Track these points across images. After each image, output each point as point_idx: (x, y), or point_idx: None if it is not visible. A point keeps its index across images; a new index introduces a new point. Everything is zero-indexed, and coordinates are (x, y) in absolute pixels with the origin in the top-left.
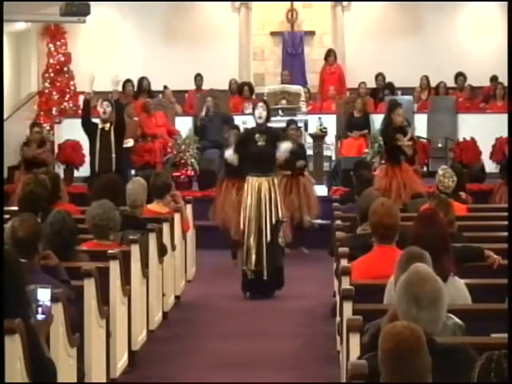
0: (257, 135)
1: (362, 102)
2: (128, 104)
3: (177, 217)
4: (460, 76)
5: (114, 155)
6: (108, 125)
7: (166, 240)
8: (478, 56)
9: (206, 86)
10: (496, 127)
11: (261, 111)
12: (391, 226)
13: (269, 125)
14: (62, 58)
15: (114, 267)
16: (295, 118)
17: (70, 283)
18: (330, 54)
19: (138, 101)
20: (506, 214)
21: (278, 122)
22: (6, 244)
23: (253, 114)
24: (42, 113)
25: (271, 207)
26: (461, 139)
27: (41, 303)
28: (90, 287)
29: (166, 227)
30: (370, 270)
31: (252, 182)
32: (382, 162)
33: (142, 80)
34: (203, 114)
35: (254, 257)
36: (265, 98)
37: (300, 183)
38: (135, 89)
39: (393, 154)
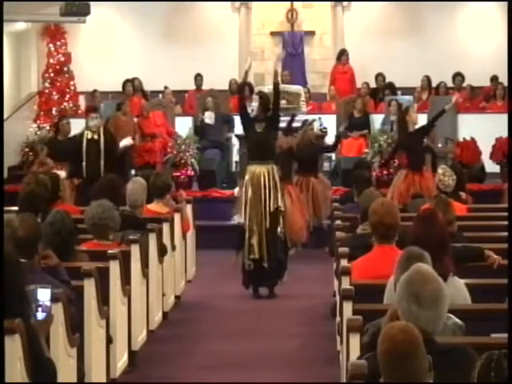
0: (256, 124)
1: (361, 102)
2: (123, 102)
3: (177, 217)
4: (458, 76)
5: (102, 161)
6: (96, 136)
7: (166, 240)
8: (477, 56)
9: (205, 86)
10: (496, 127)
11: (253, 104)
12: (391, 226)
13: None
14: (62, 58)
15: (114, 267)
16: (295, 118)
17: (70, 283)
18: (343, 54)
19: (133, 98)
20: (506, 213)
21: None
22: (6, 244)
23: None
24: (42, 113)
25: (270, 194)
26: (461, 139)
27: (41, 303)
28: (89, 287)
29: (165, 227)
30: (369, 270)
31: (252, 171)
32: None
33: (133, 80)
34: (208, 120)
35: (255, 245)
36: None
37: (310, 185)
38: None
39: (415, 160)
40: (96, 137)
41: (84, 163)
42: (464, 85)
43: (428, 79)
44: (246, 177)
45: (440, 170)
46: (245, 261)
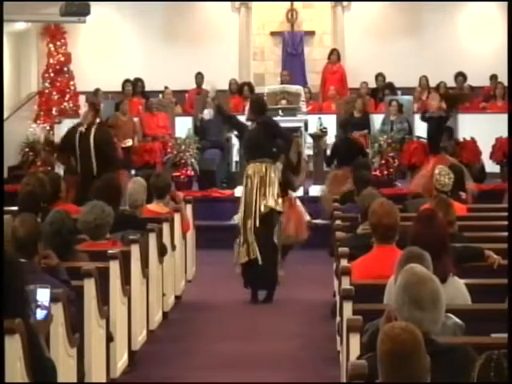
0: (250, 123)
1: (361, 102)
2: (122, 101)
3: (177, 217)
4: (459, 76)
5: (93, 161)
6: (85, 128)
7: (166, 240)
8: (477, 56)
9: (206, 86)
10: (496, 127)
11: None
12: (391, 226)
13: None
14: (62, 58)
15: (114, 267)
16: (295, 118)
17: (70, 283)
18: (332, 53)
19: (133, 99)
20: (506, 214)
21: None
22: (6, 244)
23: None
24: (42, 113)
25: (261, 194)
26: (461, 139)
27: (40, 303)
28: (89, 287)
29: (166, 227)
30: (369, 270)
31: (248, 169)
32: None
33: (136, 82)
34: (207, 116)
35: (245, 248)
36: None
37: None
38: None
39: (433, 144)
40: (83, 130)
41: (78, 159)
42: (465, 85)
43: (426, 79)
44: (244, 175)
45: (436, 170)
46: (237, 264)
